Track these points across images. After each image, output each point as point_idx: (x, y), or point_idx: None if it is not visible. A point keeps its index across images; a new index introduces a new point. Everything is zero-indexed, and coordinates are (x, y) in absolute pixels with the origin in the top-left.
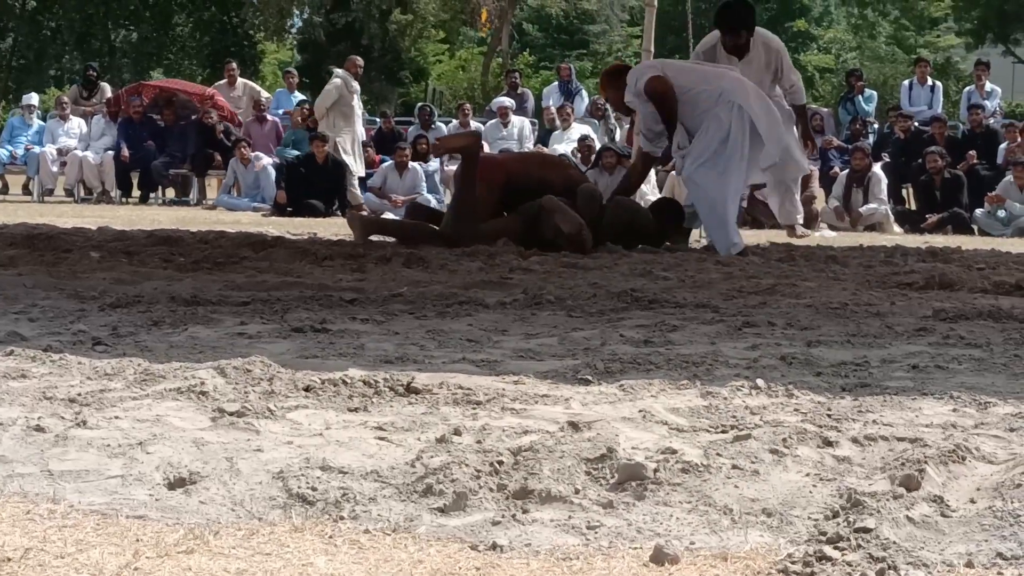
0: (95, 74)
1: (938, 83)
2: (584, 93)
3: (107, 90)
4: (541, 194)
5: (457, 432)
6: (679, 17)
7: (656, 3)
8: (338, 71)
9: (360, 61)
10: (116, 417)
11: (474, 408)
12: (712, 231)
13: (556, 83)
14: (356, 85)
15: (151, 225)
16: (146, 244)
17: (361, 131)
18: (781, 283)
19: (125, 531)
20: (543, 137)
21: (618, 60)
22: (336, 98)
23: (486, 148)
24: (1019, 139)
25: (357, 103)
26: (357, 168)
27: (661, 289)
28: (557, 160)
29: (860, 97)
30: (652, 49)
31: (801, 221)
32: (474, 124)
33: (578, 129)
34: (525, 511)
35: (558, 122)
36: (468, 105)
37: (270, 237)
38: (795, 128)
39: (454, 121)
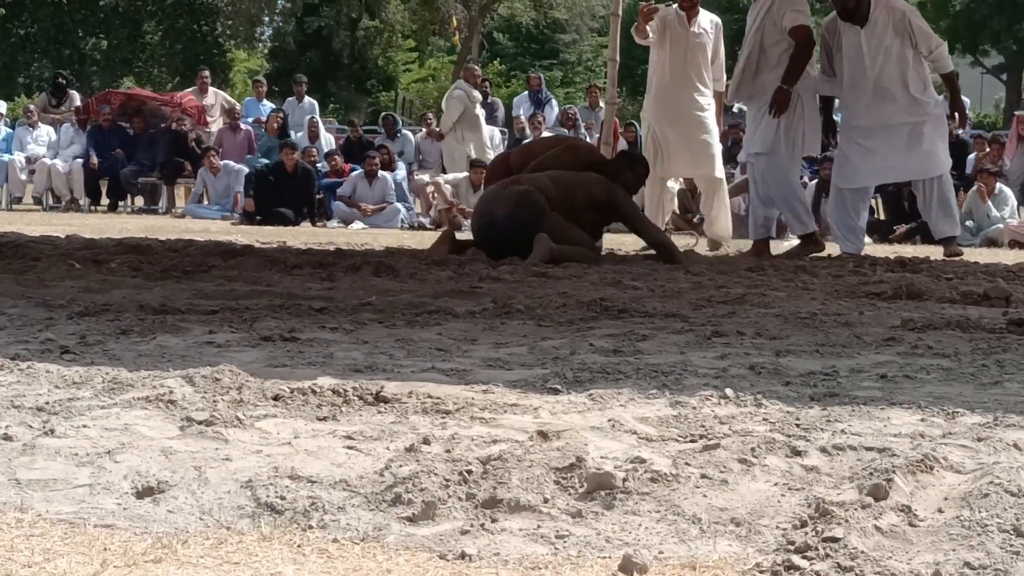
0: (64, 82)
1: None
2: (554, 102)
3: (76, 98)
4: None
5: (426, 441)
6: None
7: (621, 13)
8: (459, 83)
9: (478, 71)
10: (84, 426)
11: (443, 417)
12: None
13: (526, 92)
14: (478, 94)
15: (120, 233)
16: (115, 252)
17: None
18: (750, 293)
19: (93, 540)
20: (513, 146)
21: (588, 70)
22: (462, 110)
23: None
24: (987, 149)
25: (481, 112)
26: None
27: (630, 299)
28: (564, 139)
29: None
30: (618, 58)
31: (958, 232)
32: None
33: None
34: (494, 520)
35: (528, 131)
36: (431, 115)
37: (239, 246)
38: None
39: (423, 131)
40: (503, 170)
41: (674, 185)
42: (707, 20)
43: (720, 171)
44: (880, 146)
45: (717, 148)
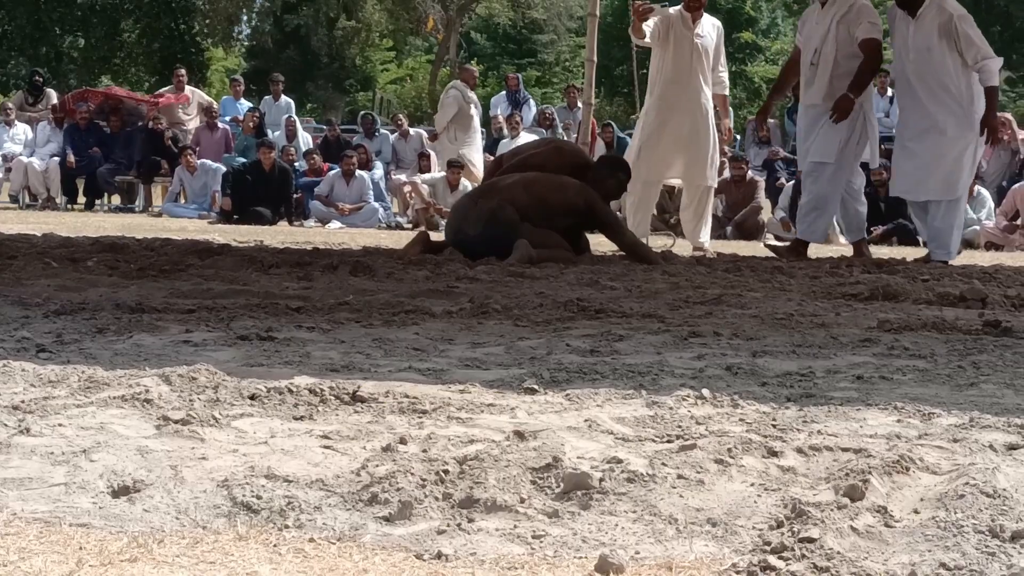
0: (41, 80)
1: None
2: (532, 102)
3: (53, 96)
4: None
5: (403, 441)
6: (624, 28)
7: (598, 13)
8: (455, 83)
9: (475, 72)
10: (60, 424)
11: (420, 417)
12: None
13: (504, 92)
14: (473, 96)
15: (96, 232)
16: (91, 251)
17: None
18: (727, 293)
19: (68, 539)
20: (491, 146)
21: (566, 70)
22: (456, 110)
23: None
24: None
25: (475, 113)
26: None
27: (607, 299)
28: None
29: None
30: (595, 59)
31: (951, 260)
32: (413, 132)
33: (527, 138)
34: (470, 520)
35: (506, 131)
36: (402, 116)
37: (216, 244)
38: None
39: (396, 132)
40: (495, 172)
41: None
42: (709, 23)
43: (712, 179)
44: (926, 151)
45: (715, 155)
